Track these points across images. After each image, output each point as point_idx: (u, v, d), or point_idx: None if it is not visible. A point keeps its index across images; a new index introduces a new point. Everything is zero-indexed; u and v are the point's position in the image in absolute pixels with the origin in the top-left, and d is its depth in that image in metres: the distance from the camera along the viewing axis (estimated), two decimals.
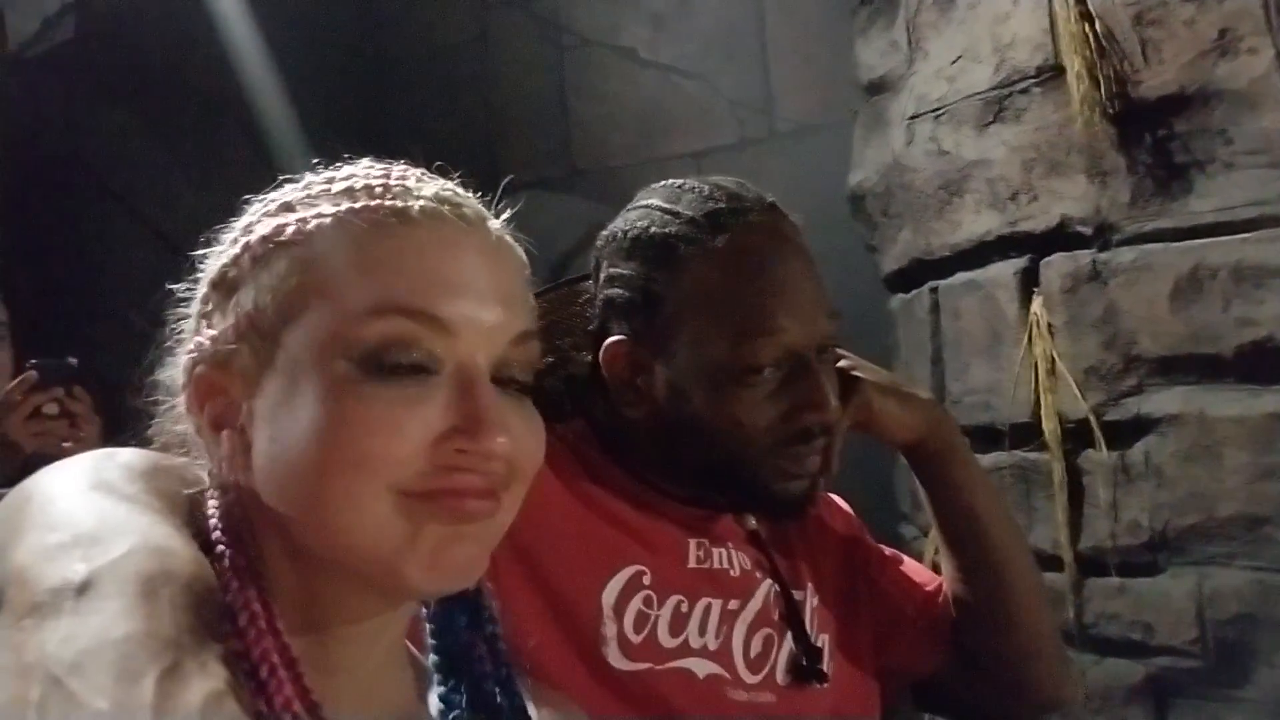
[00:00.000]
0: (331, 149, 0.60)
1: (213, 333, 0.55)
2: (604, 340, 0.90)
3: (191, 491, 0.54)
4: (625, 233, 0.91)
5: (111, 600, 0.42)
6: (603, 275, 0.92)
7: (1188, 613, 1.74)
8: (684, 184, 0.92)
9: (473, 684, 0.60)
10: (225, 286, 0.55)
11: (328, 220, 0.54)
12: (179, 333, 0.58)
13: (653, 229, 0.89)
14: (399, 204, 0.54)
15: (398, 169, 0.57)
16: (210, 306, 0.56)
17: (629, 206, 0.94)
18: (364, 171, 0.56)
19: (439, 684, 0.60)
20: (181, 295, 0.58)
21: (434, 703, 0.61)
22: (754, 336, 0.84)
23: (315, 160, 0.59)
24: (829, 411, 0.86)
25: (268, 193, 0.58)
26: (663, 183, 0.94)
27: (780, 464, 0.87)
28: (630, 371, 0.89)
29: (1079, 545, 1.89)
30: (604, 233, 0.94)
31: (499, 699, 0.59)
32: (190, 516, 0.51)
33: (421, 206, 0.54)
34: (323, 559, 0.52)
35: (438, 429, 0.51)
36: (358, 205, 0.54)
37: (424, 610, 0.62)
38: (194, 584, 0.45)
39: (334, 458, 0.50)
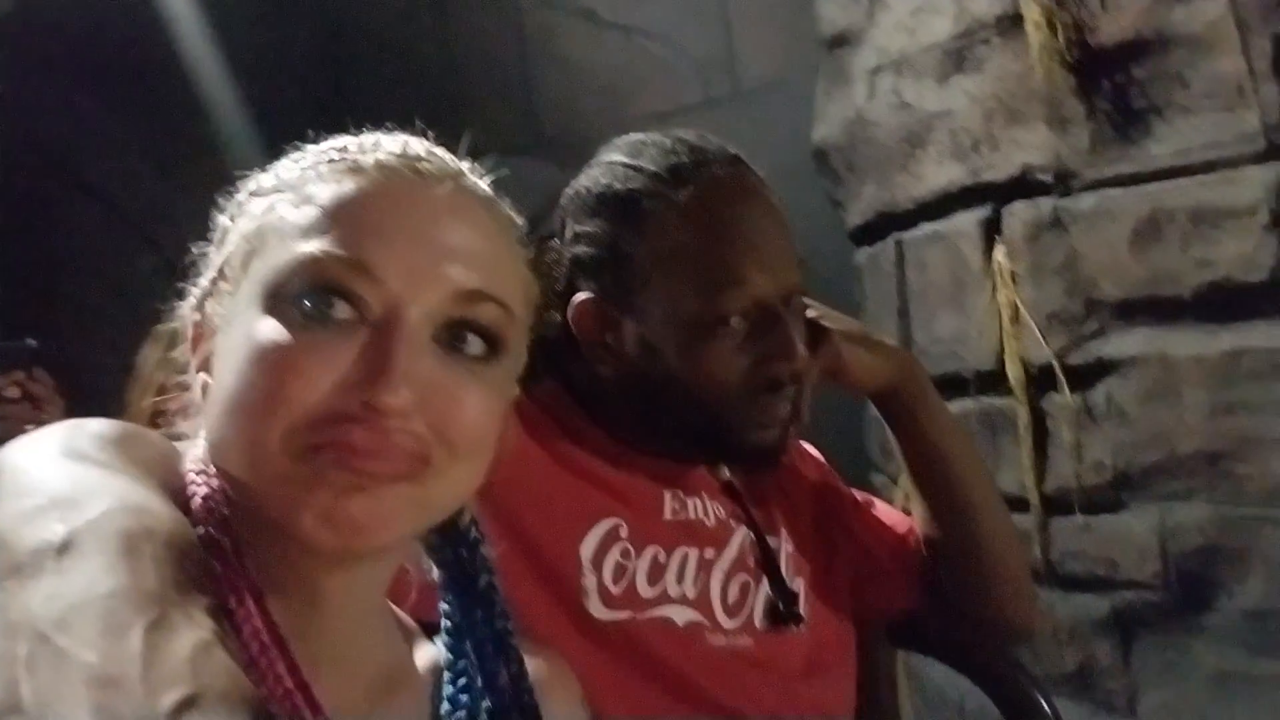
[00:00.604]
0: (290, 124, 0.60)
1: (204, 280, 0.56)
2: (572, 299, 0.91)
3: (167, 458, 0.54)
4: (589, 190, 0.91)
5: (93, 558, 0.41)
6: (568, 234, 0.92)
7: (1150, 548, 1.79)
8: (645, 138, 0.93)
9: (475, 643, 0.60)
10: (219, 237, 0.57)
11: (295, 172, 0.55)
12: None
13: (615, 185, 0.89)
14: (359, 158, 0.54)
15: (390, 135, 0.57)
16: (210, 257, 0.57)
17: (591, 163, 0.94)
18: (354, 135, 0.57)
19: (446, 650, 0.61)
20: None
21: (420, 658, 0.62)
22: (721, 288, 0.85)
23: (272, 137, 0.60)
24: (798, 360, 0.86)
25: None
26: (624, 138, 0.94)
27: (751, 414, 0.88)
28: (599, 329, 0.90)
29: (1044, 486, 1.94)
30: (568, 190, 0.94)
31: (498, 660, 0.59)
32: (166, 482, 0.51)
33: (377, 159, 0.54)
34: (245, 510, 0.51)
35: (342, 375, 0.49)
36: (324, 158, 0.55)
37: (435, 573, 0.62)
38: (175, 540, 0.45)
39: (242, 398, 0.50)
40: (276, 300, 0.51)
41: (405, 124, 0.60)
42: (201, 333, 0.56)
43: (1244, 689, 1.68)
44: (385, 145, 0.56)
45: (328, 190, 0.53)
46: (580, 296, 0.91)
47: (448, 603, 0.62)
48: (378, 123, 0.59)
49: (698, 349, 0.86)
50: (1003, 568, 1.02)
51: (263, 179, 0.57)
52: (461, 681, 0.59)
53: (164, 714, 0.34)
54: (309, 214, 0.52)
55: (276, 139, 0.60)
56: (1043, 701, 1.06)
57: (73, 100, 3.34)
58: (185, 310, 0.58)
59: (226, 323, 0.54)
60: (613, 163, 0.92)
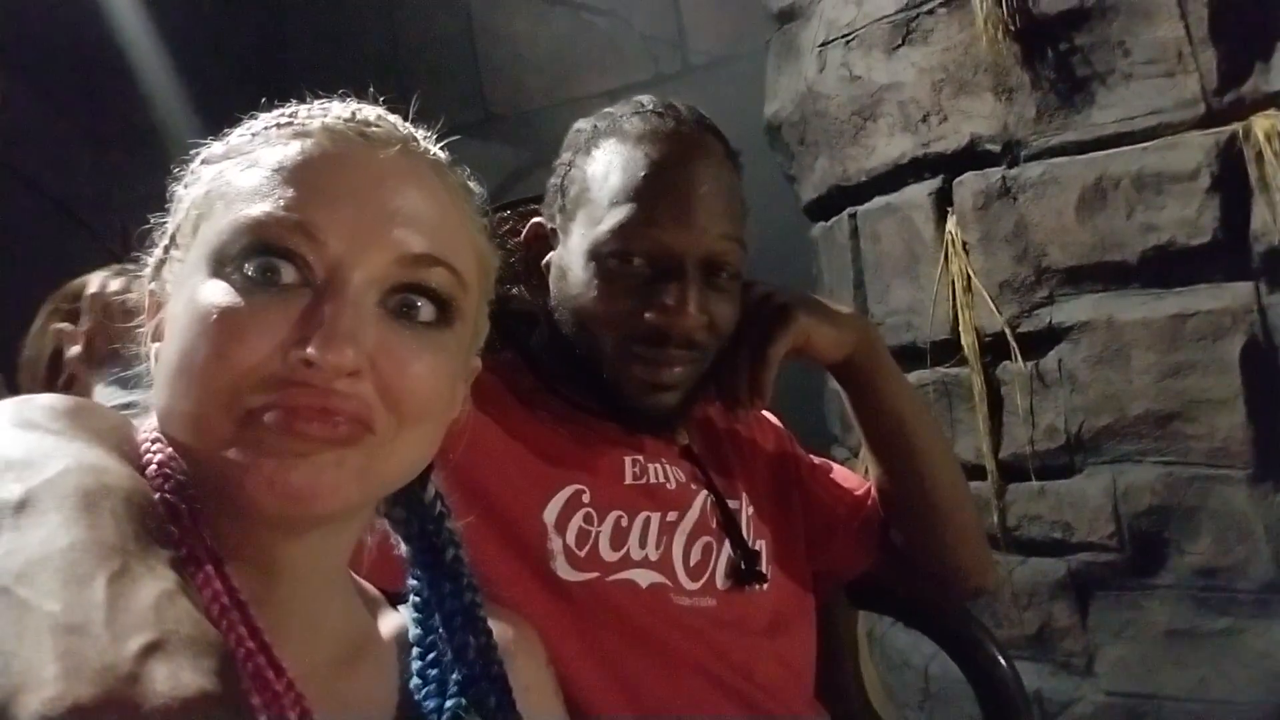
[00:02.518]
0: (231, 108, 0.59)
1: (158, 249, 0.55)
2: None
3: (120, 429, 0.53)
4: (575, 130, 0.95)
5: (51, 514, 0.41)
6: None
7: (1104, 509, 1.83)
8: (641, 98, 0.96)
9: (444, 616, 0.60)
10: (173, 206, 0.56)
11: (245, 138, 0.54)
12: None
13: (591, 123, 0.93)
14: (306, 122, 0.54)
15: (340, 102, 0.57)
16: (165, 227, 0.57)
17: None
18: (307, 105, 0.57)
19: (414, 625, 0.60)
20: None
21: (385, 626, 0.61)
22: (633, 223, 0.86)
23: (214, 122, 0.59)
24: (686, 318, 0.85)
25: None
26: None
27: (629, 362, 0.87)
28: (538, 252, 0.94)
29: (1000, 453, 1.97)
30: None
31: (467, 633, 0.59)
32: (120, 450, 0.50)
33: (324, 123, 0.53)
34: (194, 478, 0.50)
35: (284, 336, 0.48)
36: (273, 124, 0.54)
37: (403, 548, 0.62)
38: (134, 497, 0.44)
39: (185, 362, 0.49)
40: (221, 264, 0.50)
41: (351, 97, 0.59)
42: (156, 302, 0.55)
43: (1193, 645, 1.73)
44: (334, 110, 0.55)
45: (273, 154, 0.52)
46: (534, 220, 0.95)
47: (416, 577, 0.62)
48: (322, 99, 0.58)
49: (597, 276, 0.87)
50: (958, 527, 1.04)
51: (215, 147, 0.56)
52: (431, 655, 0.59)
53: (129, 659, 0.34)
54: (254, 178, 0.51)
55: (218, 124, 0.59)
56: (1003, 660, 1.08)
57: (9, 89, 3.23)
58: (142, 281, 0.57)
59: (176, 289, 0.53)
60: (605, 111, 0.95)
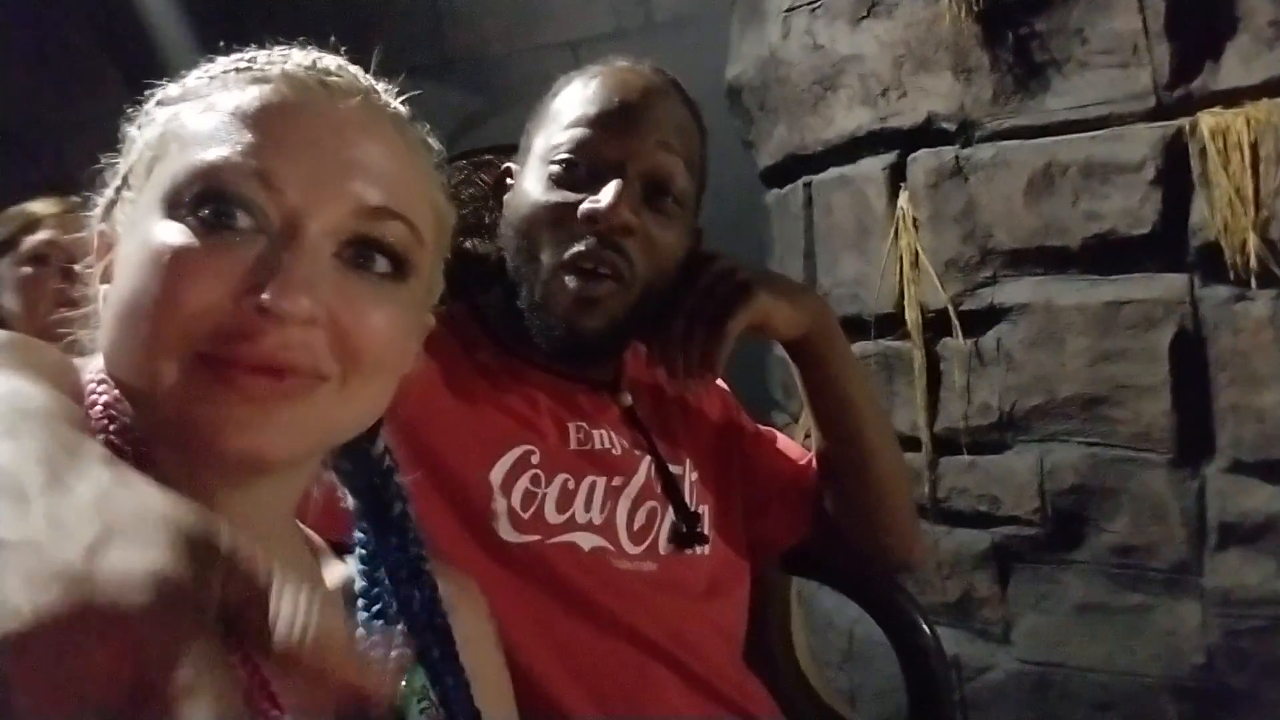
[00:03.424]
0: (185, 53, 0.59)
1: (109, 189, 0.55)
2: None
3: (62, 367, 0.52)
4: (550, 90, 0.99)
5: None
6: None
7: (1030, 486, 1.89)
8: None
9: (390, 569, 0.60)
10: (125, 147, 0.55)
11: (203, 81, 0.54)
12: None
13: (564, 77, 0.97)
14: (266, 68, 0.53)
15: (301, 49, 0.56)
16: (116, 167, 0.56)
17: None
18: (267, 50, 0.56)
19: (360, 577, 0.60)
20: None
21: (330, 576, 0.62)
22: (578, 131, 0.91)
23: (167, 69, 0.58)
24: (613, 212, 0.86)
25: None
26: None
27: (563, 282, 0.88)
28: (499, 191, 0.98)
29: (935, 426, 2.02)
30: None
31: (412, 585, 0.60)
32: (61, 389, 0.48)
33: (284, 70, 0.53)
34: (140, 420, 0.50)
35: (236, 281, 0.48)
36: (231, 68, 0.54)
37: (350, 501, 0.62)
38: (57, 413, 0.43)
39: (135, 302, 0.48)
40: (175, 207, 0.49)
41: (311, 40, 0.58)
42: (106, 243, 0.54)
43: (1106, 618, 1.81)
44: (295, 58, 0.55)
45: (231, 99, 0.51)
46: (506, 165, 1.00)
47: (362, 529, 0.62)
48: (275, 39, 0.57)
49: (536, 178, 0.91)
50: (891, 508, 1.07)
51: (170, 88, 0.55)
52: (376, 607, 0.59)
53: (78, 557, 0.33)
54: (211, 122, 0.51)
55: (172, 71, 0.58)
56: (925, 627, 1.12)
57: None
58: (91, 221, 0.56)
59: (128, 230, 0.52)
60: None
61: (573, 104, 0.92)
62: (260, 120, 0.51)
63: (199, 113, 0.52)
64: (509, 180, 0.98)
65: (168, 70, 0.57)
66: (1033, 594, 1.91)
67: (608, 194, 0.87)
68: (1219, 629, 1.67)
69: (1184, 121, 1.70)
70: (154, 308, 0.48)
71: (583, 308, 0.89)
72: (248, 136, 0.50)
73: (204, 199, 0.49)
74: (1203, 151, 1.67)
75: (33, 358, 0.50)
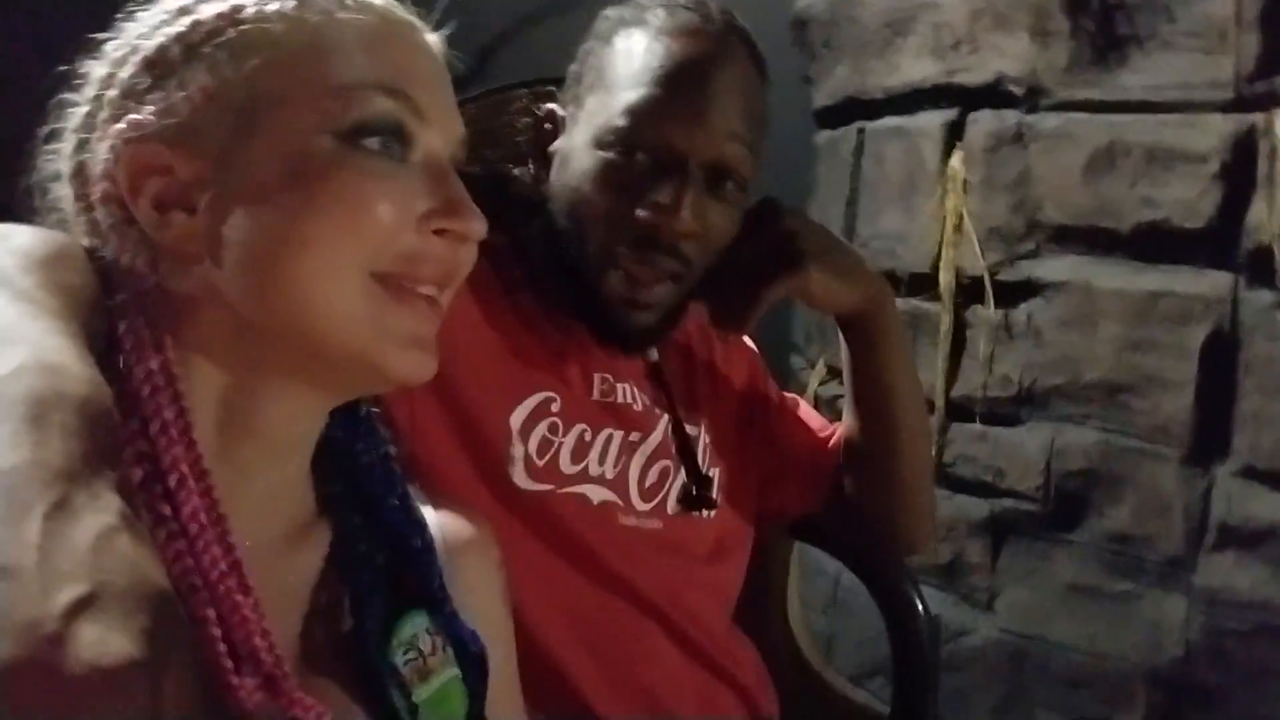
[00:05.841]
0: None
1: (152, 109, 0.52)
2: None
3: (93, 288, 0.51)
4: (601, 17, 0.93)
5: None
6: None
7: (1037, 463, 1.89)
8: None
9: (373, 505, 0.61)
10: (165, 64, 0.52)
11: (290, 4, 0.53)
12: (72, 122, 0.55)
13: (619, 13, 0.91)
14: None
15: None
16: (144, 85, 0.53)
17: None
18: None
19: (340, 512, 0.61)
20: (72, 84, 0.55)
21: (323, 539, 0.62)
22: (641, 112, 0.84)
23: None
24: (676, 220, 0.84)
25: None
26: None
27: (612, 281, 0.86)
28: (549, 137, 0.93)
29: (952, 392, 2.01)
30: None
31: (395, 520, 0.60)
32: (91, 314, 0.48)
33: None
34: (285, 352, 0.52)
35: (418, 210, 0.54)
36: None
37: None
38: (87, 406, 0.42)
39: (313, 232, 0.50)
40: (335, 135, 0.52)
41: None
42: (153, 169, 0.52)
43: (1092, 602, 1.83)
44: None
45: (351, 27, 0.54)
46: (549, 105, 0.94)
47: (341, 462, 0.62)
48: None
49: (596, 168, 0.85)
50: (914, 499, 1.07)
51: (210, 7, 0.54)
52: (361, 548, 0.60)
53: (57, 615, 0.33)
54: (340, 48, 0.54)
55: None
56: (912, 590, 1.14)
57: None
58: (110, 144, 0.53)
59: (246, 159, 0.51)
60: (632, 1, 0.92)
61: (634, 69, 0.85)
62: (389, 51, 0.56)
63: (315, 38, 0.54)
64: (551, 126, 0.93)
65: None
66: (1022, 568, 1.93)
67: (670, 200, 0.83)
68: (1202, 626, 1.68)
69: (1258, 117, 1.65)
70: (334, 241, 0.53)
71: (632, 309, 0.88)
72: (385, 65, 0.55)
73: (366, 126, 0.54)
74: (1273, 151, 1.63)
75: (74, 279, 0.49)
